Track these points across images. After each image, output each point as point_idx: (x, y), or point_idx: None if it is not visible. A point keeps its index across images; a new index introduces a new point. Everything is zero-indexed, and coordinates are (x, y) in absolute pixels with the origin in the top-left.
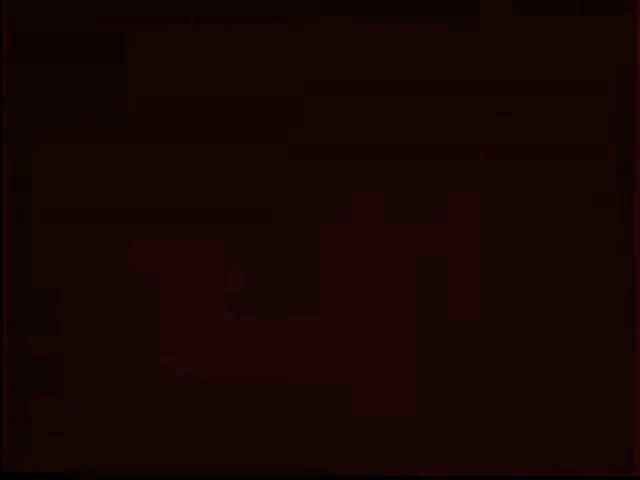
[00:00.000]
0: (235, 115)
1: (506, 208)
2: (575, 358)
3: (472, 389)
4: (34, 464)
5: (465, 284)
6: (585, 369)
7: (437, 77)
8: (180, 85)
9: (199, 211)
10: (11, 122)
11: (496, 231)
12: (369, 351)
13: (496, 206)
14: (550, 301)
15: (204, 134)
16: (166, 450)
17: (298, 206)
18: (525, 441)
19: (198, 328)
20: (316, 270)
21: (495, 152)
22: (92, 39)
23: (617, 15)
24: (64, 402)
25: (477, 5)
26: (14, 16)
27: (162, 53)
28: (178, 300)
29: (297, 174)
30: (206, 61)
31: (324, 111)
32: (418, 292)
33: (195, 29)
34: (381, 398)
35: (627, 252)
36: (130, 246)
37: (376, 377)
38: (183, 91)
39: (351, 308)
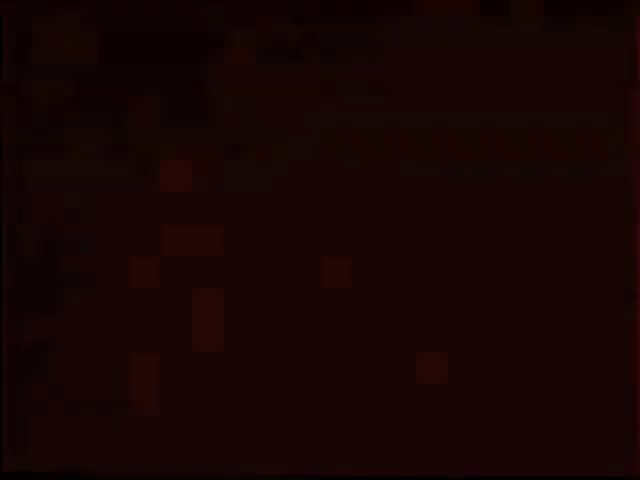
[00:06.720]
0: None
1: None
2: (575, 358)
3: (472, 389)
4: (34, 464)
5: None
6: (585, 369)
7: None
8: None
9: None
10: None
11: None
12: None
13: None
14: (550, 302)
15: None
16: (166, 450)
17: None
18: (525, 441)
19: None
20: None
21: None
22: None
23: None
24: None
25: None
26: None
27: None
28: None
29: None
30: None
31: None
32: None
33: None
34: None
35: (628, 253)
36: None
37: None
38: None
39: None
